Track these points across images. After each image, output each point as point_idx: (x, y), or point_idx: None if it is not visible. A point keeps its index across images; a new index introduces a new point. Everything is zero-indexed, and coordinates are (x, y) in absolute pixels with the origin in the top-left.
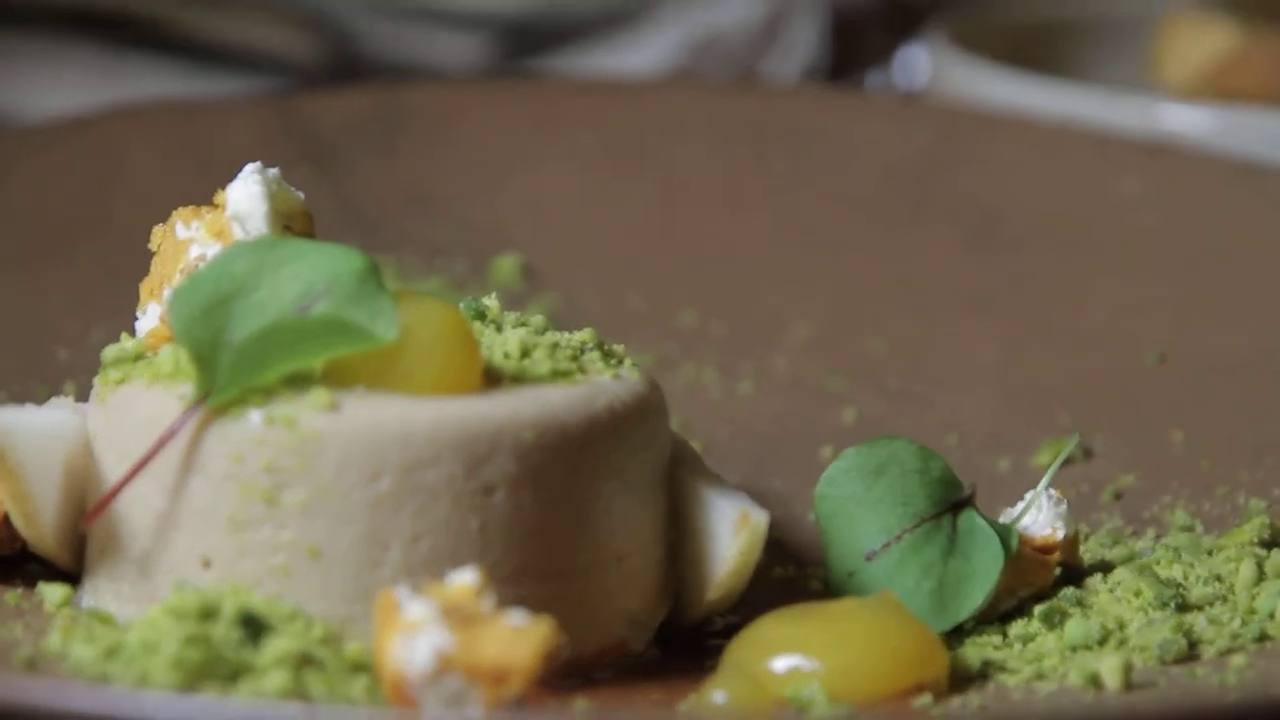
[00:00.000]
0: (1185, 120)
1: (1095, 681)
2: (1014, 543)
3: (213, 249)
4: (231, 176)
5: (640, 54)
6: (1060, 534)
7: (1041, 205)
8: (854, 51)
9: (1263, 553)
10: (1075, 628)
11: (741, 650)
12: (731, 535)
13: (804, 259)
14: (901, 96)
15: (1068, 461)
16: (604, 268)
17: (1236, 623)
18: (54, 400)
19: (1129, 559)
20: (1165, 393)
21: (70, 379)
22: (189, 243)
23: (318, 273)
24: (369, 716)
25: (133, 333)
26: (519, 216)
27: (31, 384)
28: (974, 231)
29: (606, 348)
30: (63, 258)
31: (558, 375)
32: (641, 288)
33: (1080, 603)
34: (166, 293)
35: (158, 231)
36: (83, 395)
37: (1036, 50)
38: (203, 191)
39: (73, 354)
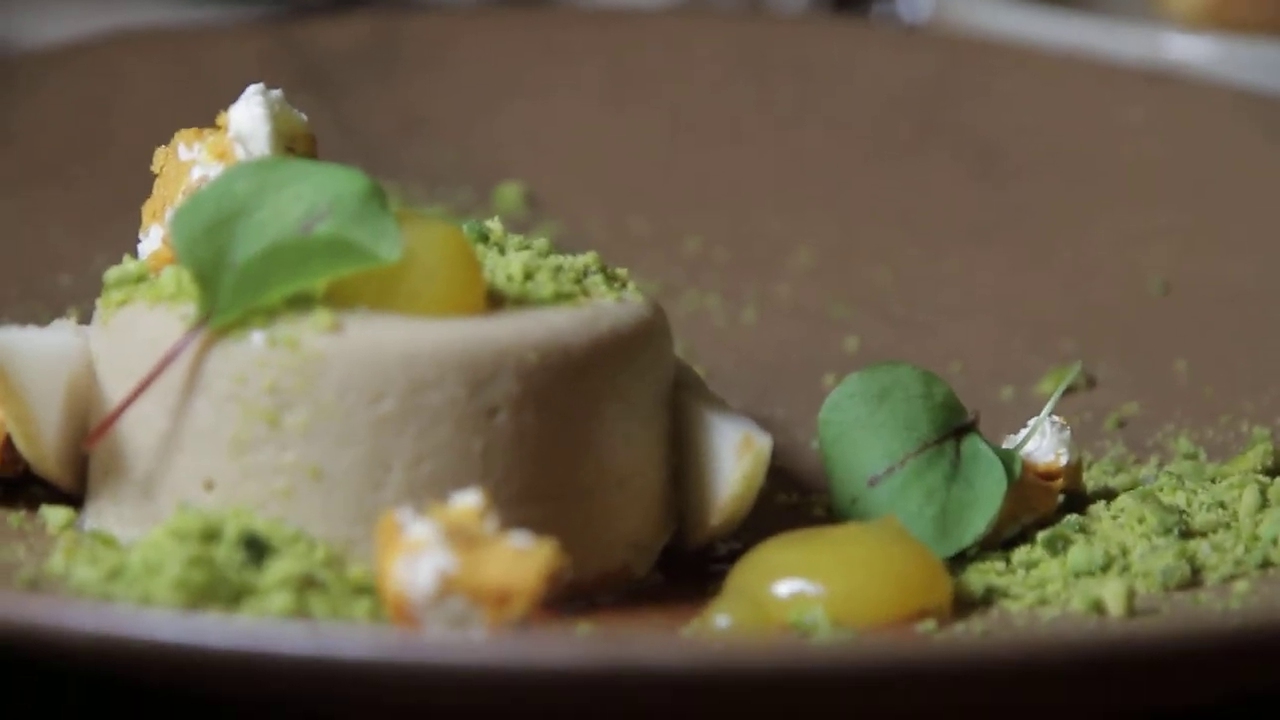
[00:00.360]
0: (1188, 50)
1: (1098, 607)
2: (1017, 468)
3: (215, 170)
4: (230, 101)
5: None
6: (1064, 460)
7: (1045, 135)
8: None
9: (1266, 480)
10: (1078, 554)
11: (744, 575)
12: (735, 459)
13: (808, 187)
14: (906, 27)
15: (1071, 390)
16: (608, 195)
17: (1240, 549)
18: (56, 322)
19: (1132, 486)
20: (1169, 321)
21: (73, 304)
22: (191, 164)
23: (320, 193)
24: (374, 636)
25: (135, 256)
26: (522, 144)
27: (34, 308)
28: (978, 161)
29: (610, 271)
30: (64, 183)
31: (561, 298)
32: (645, 215)
33: (1083, 529)
34: (169, 214)
35: (160, 153)
36: (85, 320)
37: None
38: (202, 116)
39: (75, 279)
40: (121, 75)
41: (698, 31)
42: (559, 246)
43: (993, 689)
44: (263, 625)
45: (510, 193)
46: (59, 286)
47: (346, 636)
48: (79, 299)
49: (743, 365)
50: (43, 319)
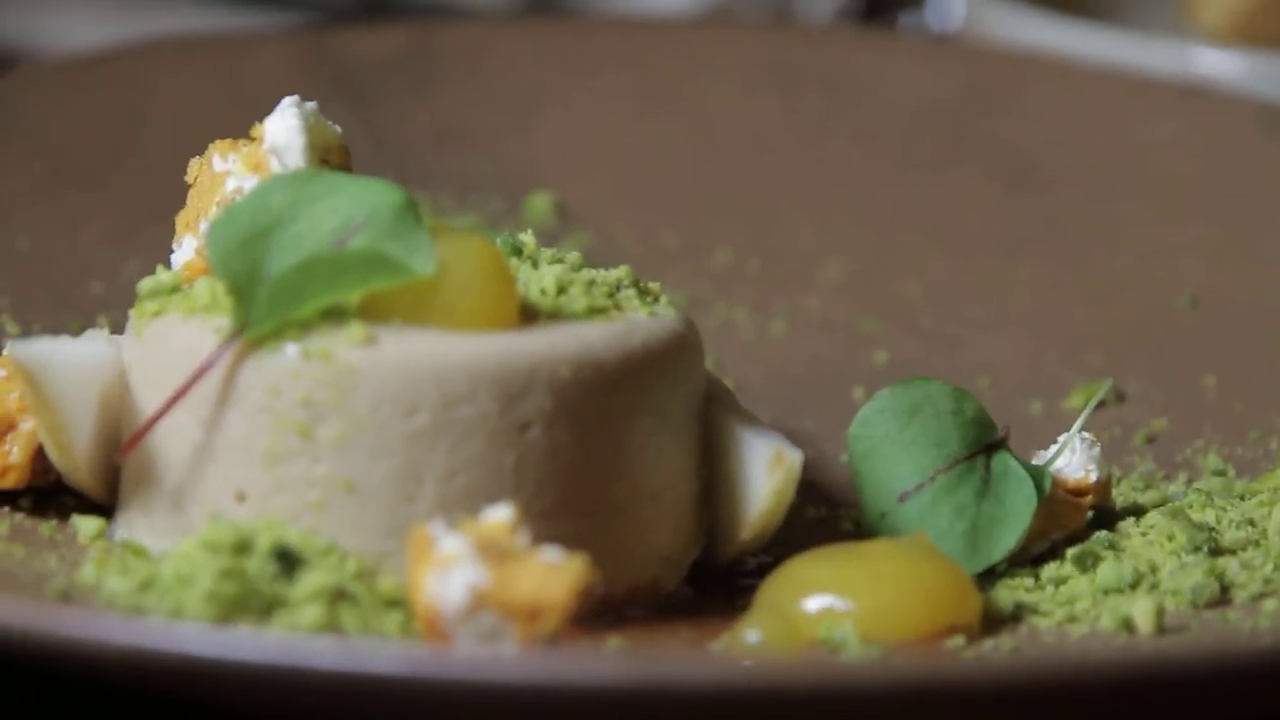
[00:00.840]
0: (1218, 64)
1: (1128, 625)
2: (1047, 485)
3: (250, 182)
4: (264, 111)
5: None
6: (1093, 477)
7: (1075, 148)
8: None
9: None
10: (1108, 571)
11: (774, 590)
12: (766, 474)
13: (837, 200)
14: (935, 38)
15: (1101, 405)
16: (638, 206)
17: (1269, 567)
18: (89, 332)
19: (1161, 503)
20: (1198, 336)
21: (104, 312)
22: (226, 175)
23: (355, 206)
24: (405, 651)
25: (168, 265)
26: (553, 155)
27: (66, 317)
28: (1008, 174)
29: (642, 285)
30: (96, 190)
31: (594, 312)
32: (675, 227)
33: (1113, 546)
34: (203, 225)
35: (194, 164)
36: (117, 329)
37: None
38: (235, 125)
39: (107, 287)
40: (155, 83)
41: (727, 42)
42: (588, 257)
43: (1021, 707)
44: (293, 640)
45: (540, 203)
46: (91, 294)
47: (377, 652)
48: (110, 307)
49: (772, 378)
50: (74, 327)
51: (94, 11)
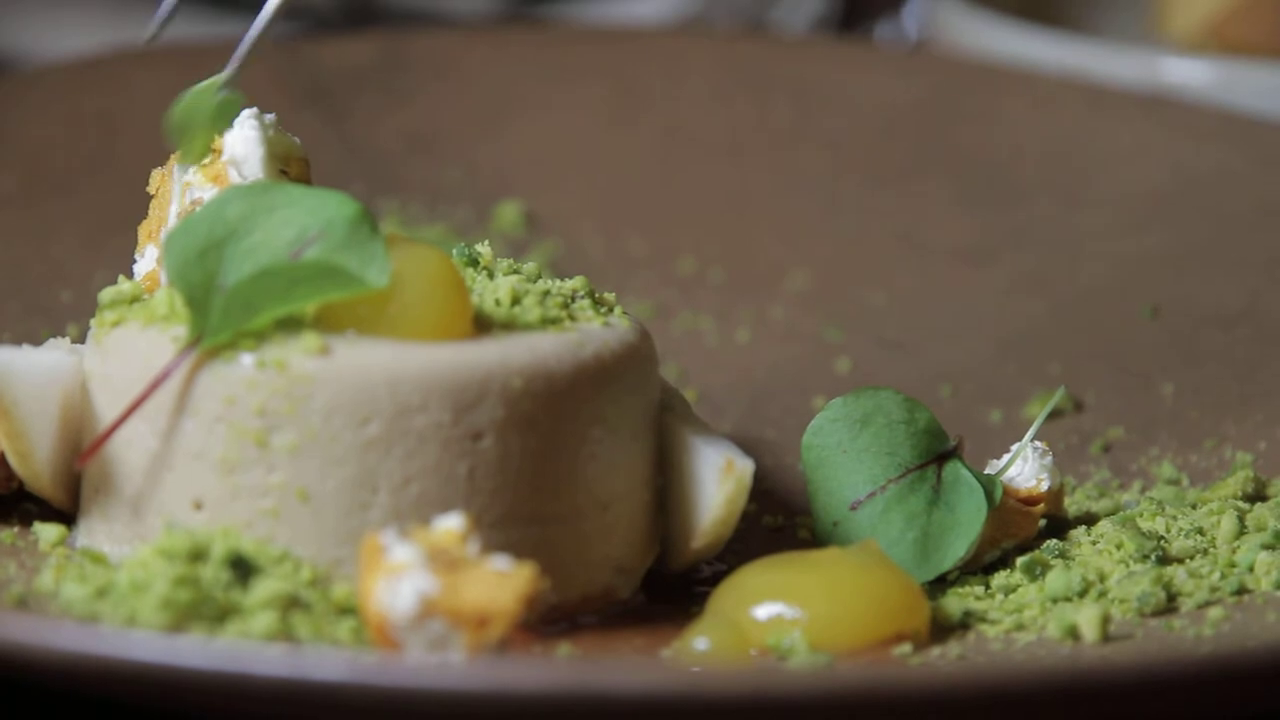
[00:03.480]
0: (1187, 73)
1: (1073, 633)
2: (998, 494)
3: (209, 193)
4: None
5: (650, 3)
6: (1045, 485)
7: (1040, 157)
8: (864, 2)
9: (1245, 506)
10: (1056, 579)
11: (725, 598)
12: (717, 483)
13: (804, 209)
14: (904, 48)
15: (1059, 414)
16: (605, 214)
17: (1216, 576)
18: (51, 341)
19: (1114, 511)
20: (1158, 346)
21: (73, 320)
22: (186, 186)
23: (311, 218)
24: (352, 659)
25: (131, 275)
26: (522, 163)
27: (35, 325)
28: (973, 183)
29: (597, 296)
30: (68, 199)
31: (547, 322)
32: (642, 234)
33: (1063, 554)
34: (163, 235)
35: (156, 175)
36: (85, 337)
37: (1043, 3)
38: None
39: (76, 295)
40: (128, 90)
41: (699, 51)
42: (555, 265)
43: (964, 715)
44: (242, 647)
45: (509, 211)
46: (60, 302)
47: (324, 659)
48: (80, 315)
49: (735, 386)
50: (43, 334)
51: (77, 19)
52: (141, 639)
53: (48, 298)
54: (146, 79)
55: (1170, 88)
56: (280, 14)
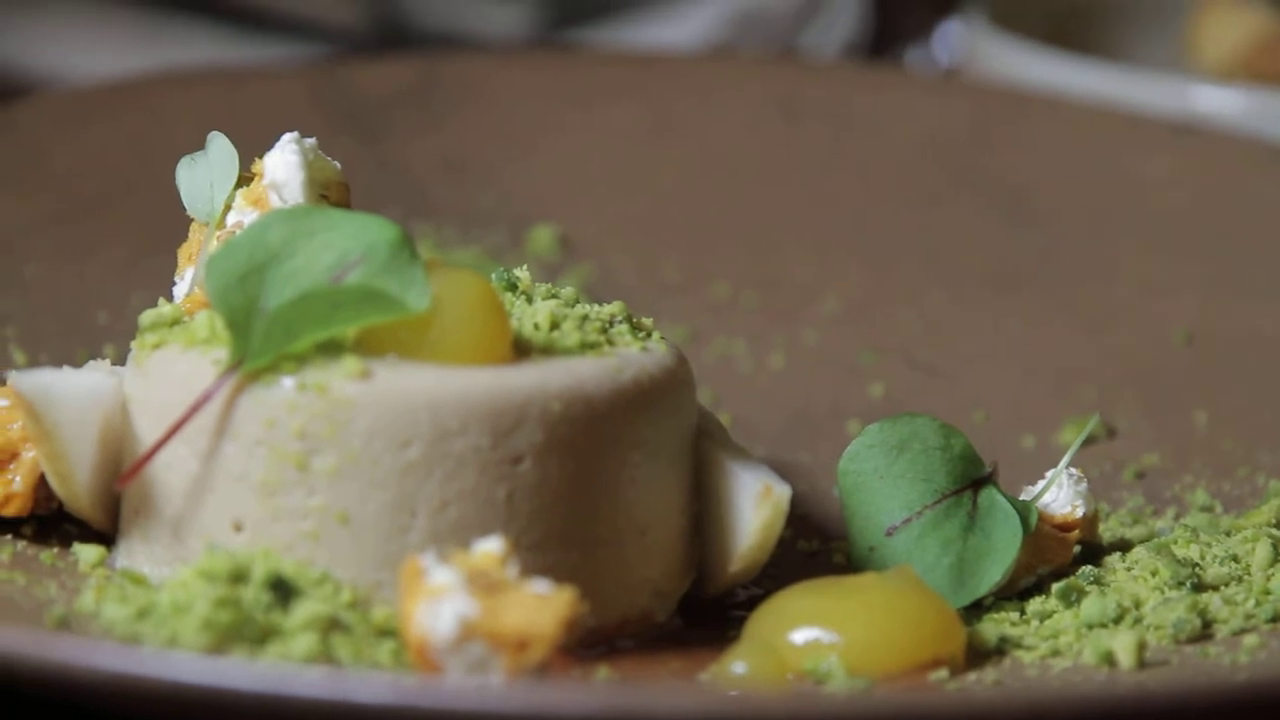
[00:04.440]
0: (1218, 102)
1: (1109, 659)
2: (1033, 520)
3: (250, 216)
4: (273, 144)
5: (681, 28)
6: (1080, 512)
7: (1073, 184)
8: (895, 27)
9: (1279, 534)
10: (1091, 605)
11: (762, 622)
12: (754, 508)
13: (837, 233)
14: (937, 74)
15: (1092, 440)
16: (639, 239)
17: (1251, 603)
18: (91, 363)
19: (1148, 538)
20: (1191, 373)
21: (111, 342)
22: (227, 210)
23: (352, 242)
24: (393, 681)
25: (170, 298)
26: (556, 187)
27: (72, 347)
28: (1005, 209)
29: (635, 320)
30: (104, 221)
31: (586, 347)
32: (675, 259)
33: (1098, 581)
34: (203, 257)
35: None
36: (122, 359)
37: (1074, 30)
38: (243, 156)
39: (113, 318)
40: (165, 114)
41: (731, 76)
42: (589, 290)
43: None
44: (284, 669)
45: (543, 235)
46: (98, 324)
47: (366, 681)
48: (116, 337)
49: (769, 411)
50: (80, 357)
51: (109, 42)
52: (183, 660)
53: (85, 319)
54: (180, 103)
55: (1201, 116)
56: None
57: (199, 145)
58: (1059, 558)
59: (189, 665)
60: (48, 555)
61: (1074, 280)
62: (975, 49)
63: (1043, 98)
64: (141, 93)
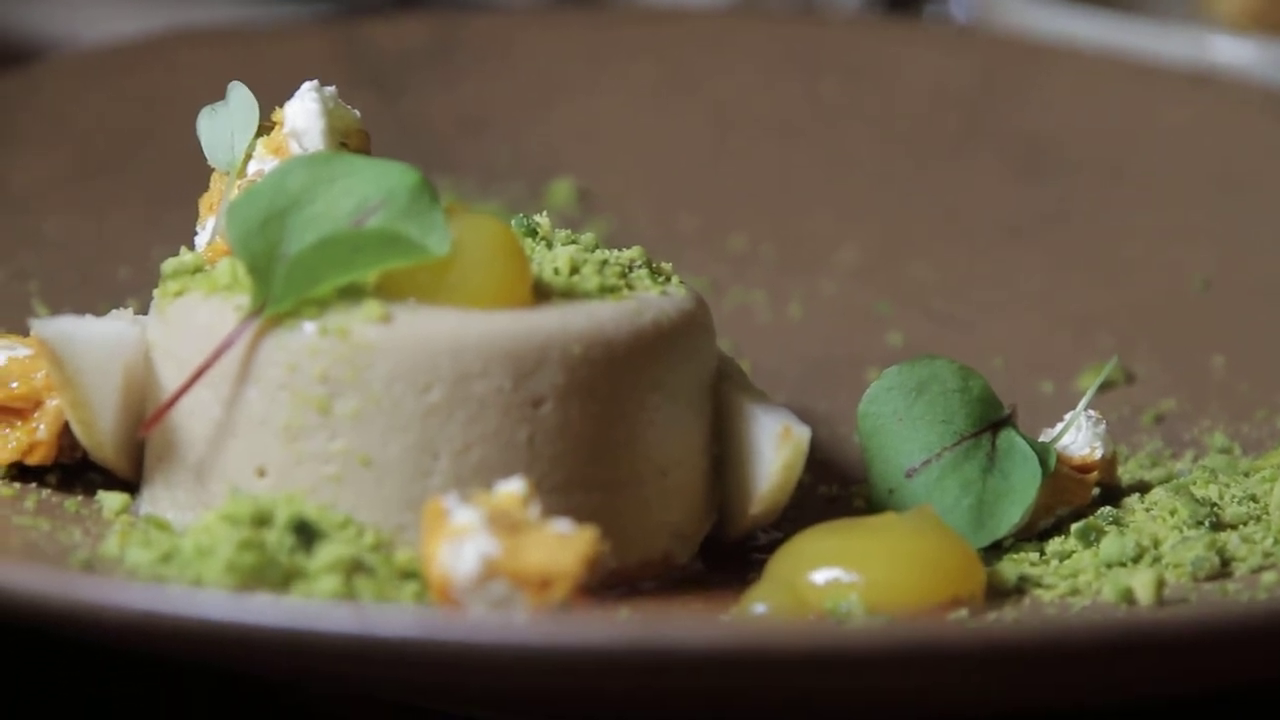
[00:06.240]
0: (1233, 52)
1: (1128, 596)
2: (1052, 461)
3: (270, 165)
4: (288, 99)
5: None
6: (1099, 453)
7: (1088, 134)
8: None
9: None
10: (1110, 544)
11: (783, 563)
12: (774, 449)
13: (854, 185)
14: (953, 27)
15: (1110, 385)
16: (657, 192)
17: (1269, 541)
18: (114, 312)
19: (1167, 480)
20: (1208, 318)
21: (132, 295)
22: (248, 158)
23: (372, 187)
24: (415, 618)
25: (192, 248)
26: (575, 142)
27: (95, 300)
28: (1022, 160)
29: (654, 265)
30: (123, 176)
31: (606, 291)
32: (693, 212)
33: (1117, 521)
34: (224, 206)
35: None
36: (143, 313)
37: None
38: (262, 113)
39: (133, 271)
40: (181, 71)
41: (748, 31)
42: (608, 242)
43: (1021, 672)
44: (308, 605)
45: (562, 189)
46: (118, 278)
47: (390, 616)
48: (138, 290)
49: (787, 360)
50: (102, 310)
51: (123, 4)
52: (210, 597)
53: (105, 274)
54: (198, 61)
55: (1217, 67)
56: None
57: (214, 101)
58: (1078, 499)
59: (216, 603)
60: (72, 503)
61: (1091, 229)
62: (992, 2)
63: (1059, 50)
64: (159, 52)
